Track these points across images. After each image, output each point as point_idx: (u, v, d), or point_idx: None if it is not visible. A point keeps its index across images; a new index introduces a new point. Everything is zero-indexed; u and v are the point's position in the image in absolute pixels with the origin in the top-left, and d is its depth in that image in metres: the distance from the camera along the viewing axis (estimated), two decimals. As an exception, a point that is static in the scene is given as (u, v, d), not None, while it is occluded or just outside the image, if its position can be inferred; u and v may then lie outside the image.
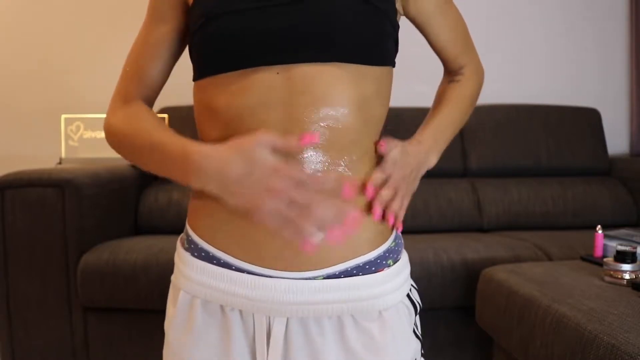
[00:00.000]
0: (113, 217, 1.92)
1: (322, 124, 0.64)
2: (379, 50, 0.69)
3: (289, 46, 0.64)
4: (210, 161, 0.61)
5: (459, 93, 0.83)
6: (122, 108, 0.75)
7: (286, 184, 0.58)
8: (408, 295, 0.74)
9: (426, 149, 0.76)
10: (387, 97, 0.73)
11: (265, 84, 0.64)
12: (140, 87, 0.76)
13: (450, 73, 0.86)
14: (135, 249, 1.70)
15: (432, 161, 0.77)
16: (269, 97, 0.64)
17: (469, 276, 1.66)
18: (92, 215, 1.75)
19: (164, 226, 2.05)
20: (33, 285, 1.68)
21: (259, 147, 0.59)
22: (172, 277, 0.75)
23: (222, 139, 0.64)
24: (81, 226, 1.69)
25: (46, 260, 1.68)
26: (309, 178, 0.59)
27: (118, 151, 0.74)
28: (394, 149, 0.71)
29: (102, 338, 1.71)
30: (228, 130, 0.66)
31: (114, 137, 0.75)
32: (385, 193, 0.70)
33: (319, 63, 0.64)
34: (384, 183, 0.70)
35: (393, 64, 0.72)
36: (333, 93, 0.64)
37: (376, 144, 0.71)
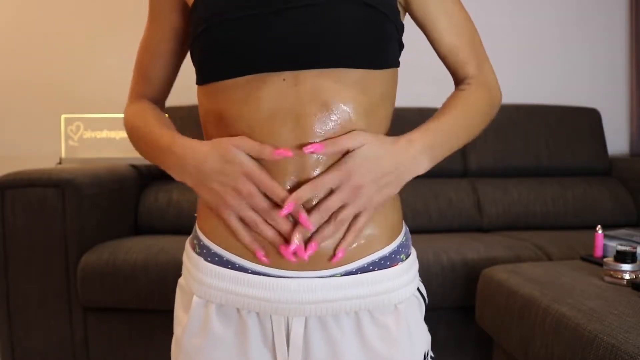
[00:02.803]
0: (113, 217, 1.92)
1: (331, 133, 0.63)
2: (384, 53, 0.68)
3: (294, 53, 0.63)
4: (191, 155, 0.65)
5: (463, 100, 0.76)
6: (130, 106, 0.81)
7: (253, 189, 0.62)
8: (418, 289, 0.75)
9: (415, 151, 0.66)
10: (393, 98, 0.72)
11: (273, 93, 0.63)
12: (145, 86, 0.81)
13: (457, 83, 0.80)
14: (135, 249, 1.70)
15: (422, 166, 0.67)
16: (279, 108, 0.63)
17: (469, 276, 1.66)
18: (92, 215, 1.75)
19: (163, 226, 2.05)
20: (33, 285, 1.68)
21: (236, 148, 0.62)
22: (181, 280, 0.74)
23: None
24: (81, 226, 1.70)
25: (46, 260, 1.68)
26: (275, 189, 0.62)
27: (133, 145, 0.79)
28: (361, 146, 0.63)
29: (102, 338, 1.71)
30: None
31: (127, 133, 0.80)
32: (330, 202, 0.62)
33: (325, 70, 0.64)
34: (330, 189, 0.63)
35: (397, 64, 0.71)
36: (341, 100, 0.64)
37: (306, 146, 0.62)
